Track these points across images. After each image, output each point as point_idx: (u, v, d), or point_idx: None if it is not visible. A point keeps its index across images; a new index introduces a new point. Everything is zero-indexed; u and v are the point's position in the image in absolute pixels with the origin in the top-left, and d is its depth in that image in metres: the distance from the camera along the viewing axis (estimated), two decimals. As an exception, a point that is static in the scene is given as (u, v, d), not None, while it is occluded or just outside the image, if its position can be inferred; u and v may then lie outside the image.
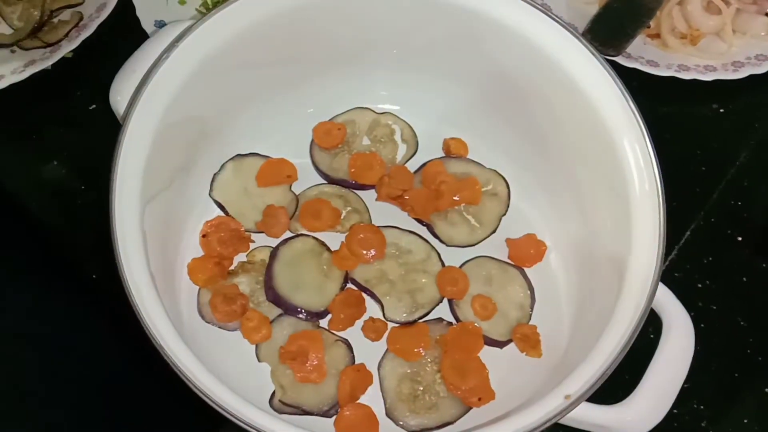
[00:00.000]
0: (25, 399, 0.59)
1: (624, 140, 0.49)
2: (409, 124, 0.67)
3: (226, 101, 0.59)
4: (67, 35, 0.69)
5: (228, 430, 0.65)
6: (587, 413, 0.44)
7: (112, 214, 0.47)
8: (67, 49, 0.69)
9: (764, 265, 0.65)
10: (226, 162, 0.64)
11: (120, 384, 0.60)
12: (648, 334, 0.49)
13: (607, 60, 0.53)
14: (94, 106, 0.69)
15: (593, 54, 0.53)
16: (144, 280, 0.46)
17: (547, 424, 0.41)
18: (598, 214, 0.55)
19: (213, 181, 0.63)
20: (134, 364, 0.61)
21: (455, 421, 0.54)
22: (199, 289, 0.59)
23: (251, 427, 0.40)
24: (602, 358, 0.42)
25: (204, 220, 0.61)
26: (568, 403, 0.41)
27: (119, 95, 0.53)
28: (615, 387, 0.47)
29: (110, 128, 0.50)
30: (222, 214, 0.62)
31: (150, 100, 0.50)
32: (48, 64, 0.68)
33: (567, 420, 0.45)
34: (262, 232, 0.62)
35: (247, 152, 0.64)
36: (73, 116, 0.69)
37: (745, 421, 0.59)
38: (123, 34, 0.68)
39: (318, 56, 0.62)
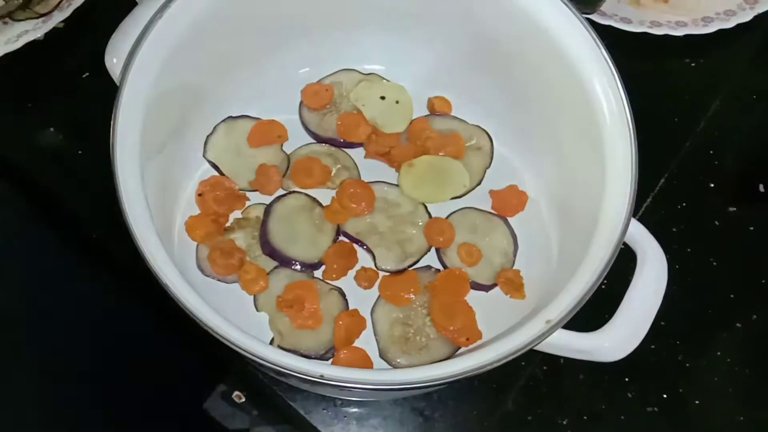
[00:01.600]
0: (30, 358, 0.61)
1: (597, 87, 0.52)
2: (394, 84, 0.70)
3: (217, 63, 0.61)
4: (58, 5, 0.71)
5: (231, 378, 0.69)
6: (568, 340, 0.47)
7: (115, 172, 0.48)
8: (58, 19, 0.70)
9: (734, 209, 0.68)
10: (219, 124, 0.66)
11: (127, 336, 0.62)
12: (627, 274, 0.52)
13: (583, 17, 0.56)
14: (87, 74, 0.71)
15: (567, 6, 0.55)
16: (151, 236, 0.47)
17: (529, 347, 0.44)
18: (576, 159, 0.58)
19: (206, 143, 0.65)
20: (141, 317, 0.63)
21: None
22: (198, 245, 0.61)
23: (258, 358, 0.43)
24: (580, 286, 0.46)
25: (199, 180, 0.64)
26: (548, 327, 0.44)
27: (114, 58, 0.55)
28: (596, 319, 0.50)
29: (104, 95, 0.52)
30: (216, 174, 0.65)
31: (144, 63, 0.52)
32: (40, 34, 0.69)
33: (550, 347, 0.48)
34: (256, 191, 0.64)
35: (239, 114, 0.66)
36: (66, 85, 0.71)
37: (718, 353, 0.62)
38: (113, 3, 0.69)
39: (306, 18, 0.64)
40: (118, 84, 0.52)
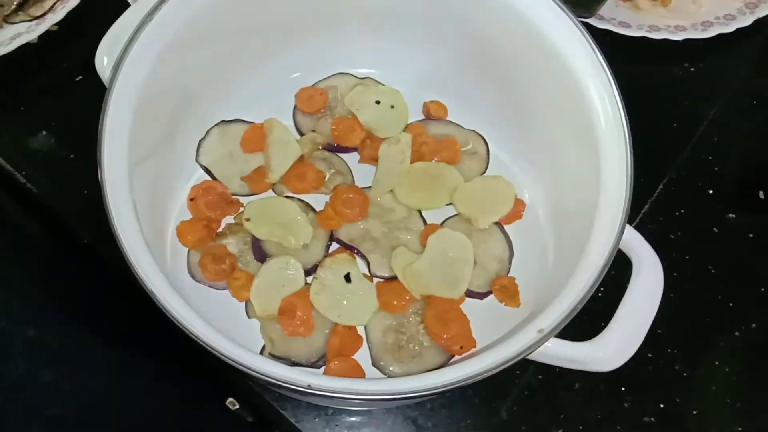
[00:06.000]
0: (23, 365, 0.60)
1: (593, 91, 0.51)
2: (389, 89, 0.69)
3: (210, 67, 0.61)
4: (52, 8, 0.70)
5: (237, 396, 0.68)
6: (561, 349, 0.47)
7: (102, 177, 0.48)
8: (52, 21, 0.70)
9: (733, 215, 0.67)
10: (211, 128, 0.65)
11: (120, 343, 0.61)
12: (625, 282, 0.51)
13: (580, 21, 0.55)
14: (80, 77, 0.70)
15: (564, 11, 0.54)
16: (138, 242, 0.46)
17: (520, 357, 0.43)
18: (572, 165, 0.57)
19: (199, 146, 0.65)
20: (132, 322, 0.62)
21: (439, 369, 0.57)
22: (189, 250, 0.61)
23: (244, 367, 0.42)
24: (573, 295, 0.45)
25: (191, 185, 0.63)
26: (540, 337, 0.43)
27: (105, 61, 0.54)
28: (595, 328, 0.49)
29: (97, 98, 0.51)
30: (209, 178, 0.64)
31: (134, 64, 0.51)
32: (33, 36, 0.69)
33: (543, 357, 0.47)
34: (249, 195, 0.63)
35: (232, 118, 0.66)
36: (60, 88, 0.70)
37: (716, 363, 0.61)
38: (106, 6, 0.68)
39: (299, 21, 0.63)
40: (107, 86, 0.52)
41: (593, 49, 0.51)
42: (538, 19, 0.54)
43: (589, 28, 0.70)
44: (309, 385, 0.41)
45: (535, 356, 0.46)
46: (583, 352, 0.47)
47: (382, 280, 0.61)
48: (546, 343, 0.45)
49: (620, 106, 0.50)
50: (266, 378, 0.41)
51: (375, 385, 0.42)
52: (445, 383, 0.41)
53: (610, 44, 0.71)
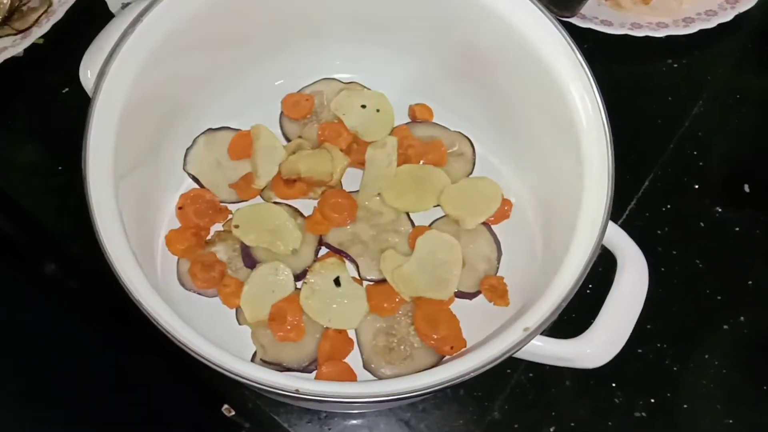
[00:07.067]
0: (14, 388, 0.61)
1: (573, 92, 0.52)
2: (374, 93, 0.69)
3: (194, 76, 0.61)
4: (37, 21, 0.71)
5: (231, 403, 0.68)
6: (548, 347, 0.47)
7: (87, 190, 0.48)
8: (37, 35, 0.70)
9: (719, 209, 0.67)
10: (198, 136, 0.65)
11: (111, 362, 0.61)
12: (610, 279, 0.52)
13: (561, 20, 0.56)
14: (66, 89, 0.71)
15: (544, 14, 0.55)
16: (124, 254, 0.47)
17: (508, 355, 0.43)
18: (556, 165, 0.57)
19: (186, 155, 0.65)
20: (124, 338, 0.63)
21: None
22: (178, 259, 0.61)
23: (231, 373, 0.42)
24: (557, 293, 0.45)
25: (179, 193, 0.63)
26: (526, 335, 0.43)
27: (89, 72, 0.55)
28: (578, 326, 0.50)
29: (84, 110, 0.52)
30: (197, 186, 0.64)
31: (117, 75, 0.52)
32: (19, 50, 0.69)
33: (531, 355, 0.48)
34: (238, 202, 0.64)
35: (218, 126, 0.66)
36: (46, 100, 0.71)
37: (706, 356, 0.62)
38: (91, 18, 0.69)
39: (283, 29, 0.64)
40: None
41: (574, 51, 0.52)
42: (518, 22, 0.54)
43: (571, 27, 0.71)
44: (297, 390, 0.41)
45: (523, 354, 0.47)
46: (569, 349, 0.47)
47: (371, 283, 0.61)
48: (533, 341, 0.45)
49: (600, 106, 0.50)
50: (254, 384, 0.42)
51: (362, 388, 0.42)
52: (427, 385, 0.41)
53: (592, 43, 0.71)
